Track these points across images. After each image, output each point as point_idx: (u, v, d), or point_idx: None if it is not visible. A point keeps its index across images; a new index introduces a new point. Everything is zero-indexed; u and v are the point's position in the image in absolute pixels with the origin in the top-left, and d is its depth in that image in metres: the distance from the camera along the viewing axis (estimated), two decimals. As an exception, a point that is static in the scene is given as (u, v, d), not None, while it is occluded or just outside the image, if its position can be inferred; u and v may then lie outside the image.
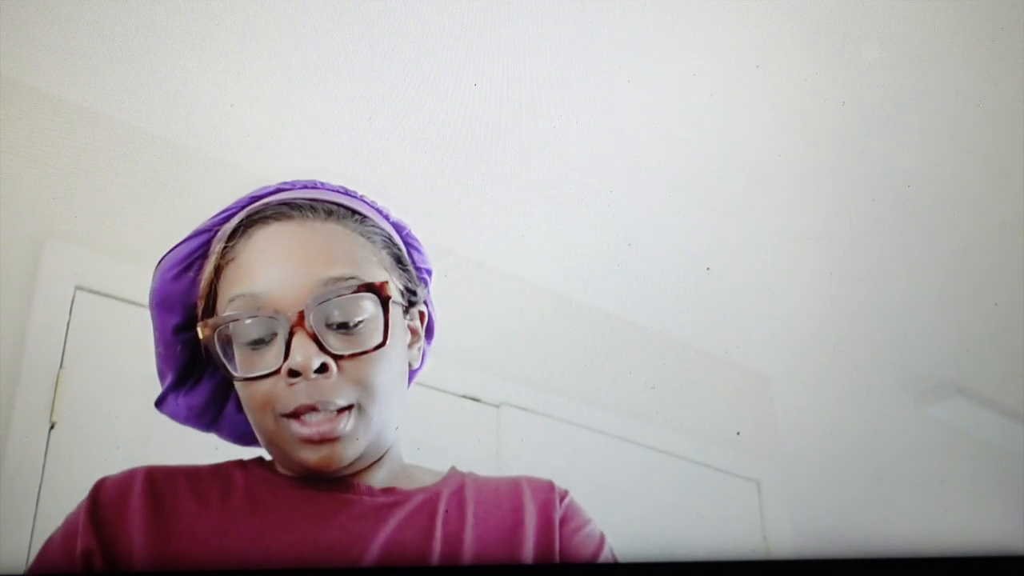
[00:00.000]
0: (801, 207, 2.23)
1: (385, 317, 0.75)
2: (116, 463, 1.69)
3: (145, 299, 1.82)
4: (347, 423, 0.73)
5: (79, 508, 0.80)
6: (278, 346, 0.73)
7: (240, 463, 0.83)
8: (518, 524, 0.80)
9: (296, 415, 0.73)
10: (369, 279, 0.75)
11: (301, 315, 0.72)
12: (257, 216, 0.79)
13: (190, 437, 1.84)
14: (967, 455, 3.32)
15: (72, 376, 1.70)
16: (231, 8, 1.70)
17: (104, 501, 0.78)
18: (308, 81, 1.85)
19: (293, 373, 0.72)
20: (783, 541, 2.72)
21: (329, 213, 0.80)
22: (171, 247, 0.85)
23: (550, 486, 0.85)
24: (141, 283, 1.82)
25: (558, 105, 1.92)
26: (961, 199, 2.19)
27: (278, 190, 0.84)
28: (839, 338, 2.77)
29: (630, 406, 2.51)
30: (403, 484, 0.81)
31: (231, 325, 0.74)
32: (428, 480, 0.83)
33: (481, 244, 1.99)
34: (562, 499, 0.85)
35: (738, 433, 2.84)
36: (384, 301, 0.75)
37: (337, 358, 0.73)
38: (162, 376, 0.84)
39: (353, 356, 0.73)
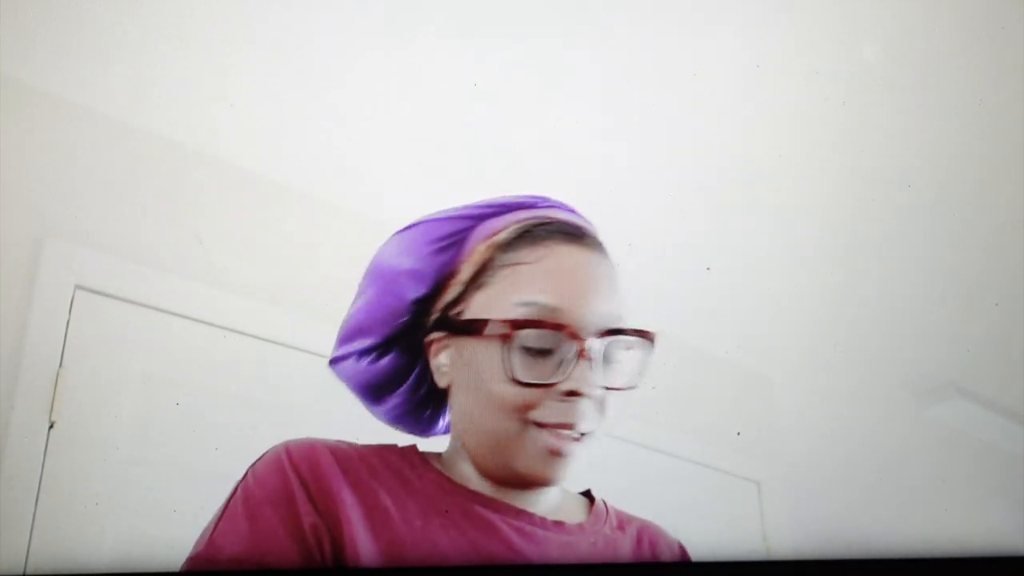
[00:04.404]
0: (801, 207, 2.23)
1: (644, 363, 0.81)
2: (116, 463, 1.70)
3: (145, 298, 1.80)
4: (581, 445, 0.78)
5: (280, 471, 0.76)
6: (557, 362, 0.77)
7: (400, 454, 0.83)
8: None
9: (551, 427, 0.77)
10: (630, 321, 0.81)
11: (587, 343, 0.77)
12: (547, 228, 0.82)
13: (190, 438, 1.85)
14: (967, 455, 3.32)
15: (72, 376, 1.70)
16: (232, 8, 1.70)
17: (304, 473, 0.76)
18: (308, 81, 1.85)
19: (573, 393, 0.76)
20: (783, 541, 2.72)
21: (603, 249, 0.85)
22: (422, 219, 0.85)
23: (684, 551, 0.89)
24: (141, 282, 1.83)
25: (558, 105, 1.92)
26: (961, 199, 2.19)
27: (547, 205, 0.87)
28: (839, 338, 2.77)
29: (630, 406, 2.51)
30: (566, 514, 0.84)
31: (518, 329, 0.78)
32: (579, 511, 0.86)
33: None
34: None
35: (738, 433, 2.84)
36: (650, 348, 0.81)
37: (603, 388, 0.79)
38: (360, 333, 0.85)
39: (610, 389, 0.79)
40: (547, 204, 0.85)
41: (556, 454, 0.77)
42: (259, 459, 0.78)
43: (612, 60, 1.82)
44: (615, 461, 2.47)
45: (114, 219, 1.86)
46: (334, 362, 0.88)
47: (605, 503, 0.88)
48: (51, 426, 1.66)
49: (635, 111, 1.94)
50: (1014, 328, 2.65)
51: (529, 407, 0.76)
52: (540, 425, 0.76)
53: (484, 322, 0.77)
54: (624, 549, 0.84)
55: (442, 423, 0.90)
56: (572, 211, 0.86)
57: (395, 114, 1.93)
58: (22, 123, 1.81)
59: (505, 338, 0.76)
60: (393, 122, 1.94)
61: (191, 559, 0.74)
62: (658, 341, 0.81)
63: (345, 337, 0.87)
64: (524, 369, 0.76)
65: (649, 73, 1.85)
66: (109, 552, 1.65)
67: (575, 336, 0.76)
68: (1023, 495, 3.27)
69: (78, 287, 1.76)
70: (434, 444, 0.88)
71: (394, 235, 0.86)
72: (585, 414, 0.77)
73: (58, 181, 1.83)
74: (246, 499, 0.76)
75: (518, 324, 0.76)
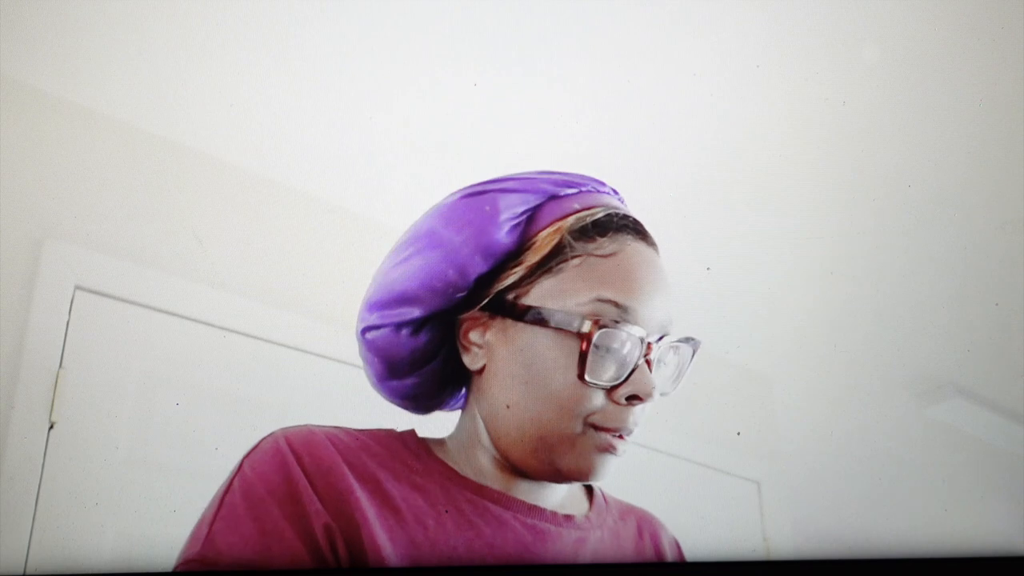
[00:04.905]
0: (801, 207, 2.23)
1: (686, 370, 0.80)
2: (115, 463, 1.70)
3: (145, 298, 1.79)
4: (624, 443, 0.77)
5: (282, 464, 0.71)
6: (619, 363, 0.74)
7: (401, 441, 0.79)
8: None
9: (604, 431, 0.75)
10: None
11: (652, 347, 0.75)
12: (619, 221, 0.78)
13: (190, 438, 1.85)
14: (967, 455, 3.32)
15: (72, 376, 1.70)
16: (231, 9, 1.70)
17: (308, 465, 0.71)
18: (308, 81, 1.85)
19: (635, 398, 0.75)
20: (783, 541, 2.72)
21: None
22: (489, 186, 0.79)
23: (679, 546, 0.88)
24: (141, 282, 1.83)
25: (558, 105, 1.92)
26: (961, 199, 2.19)
27: (606, 191, 0.83)
28: (839, 338, 2.77)
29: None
30: (572, 506, 0.82)
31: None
32: (583, 501, 0.84)
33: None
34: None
35: (738, 433, 2.84)
36: (693, 358, 0.80)
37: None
38: (407, 302, 0.78)
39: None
40: (606, 190, 0.83)
41: (607, 451, 0.75)
42: (254, 449, 0.73)
43: (612, 60, 1.82)
44: (614, 461, 2.47)
45: (114, 219, 1.86)
46: (368, 330, 0.81)
47: (602, 492, 0.86)
48: (51, 426, 1.66)
49: (635, 111, 1.94)
50: (1014, 328, 2.65)
51: (592, 410, 0.74)
52: (595, 427, 0.75)
53: (564, 315, 0.74)
54: (628, 542, 0.83)
55: (448, 404, 0.86)
56: (623, 201, 0.84)
57: (395, 114, 1.93)
58: (22, 123, 1.81)
59: (586, 336, 0.73)
60: (393, 122, 1.94)
61: (187, 561, 0.69)
62: (700, 349, 0.80)
63: (385, 303, 0.79)
64: (593, 369, 0.73)
65: (649, 73, 1.85)
66: (109, 552, 1.65)
67: (644, 340, 0.74)
68: (1023, 495, 3.27)
69: (78, 287, 1.76)
70: (425, 425, 0.85)
71: (458, 199, 0.79)
72: (638, 418, 0.76)
73: (58, 181, 1.82)
74: (246, 495, 0.70)
75: (603, 323, 0.73)
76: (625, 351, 0.74)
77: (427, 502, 0.75)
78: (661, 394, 0.78)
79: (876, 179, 2.13)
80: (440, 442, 0.81)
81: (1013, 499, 3.27)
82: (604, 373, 0.74)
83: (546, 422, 0.74)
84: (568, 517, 0.80)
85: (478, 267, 0.77)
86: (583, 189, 0.81)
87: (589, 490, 0.86)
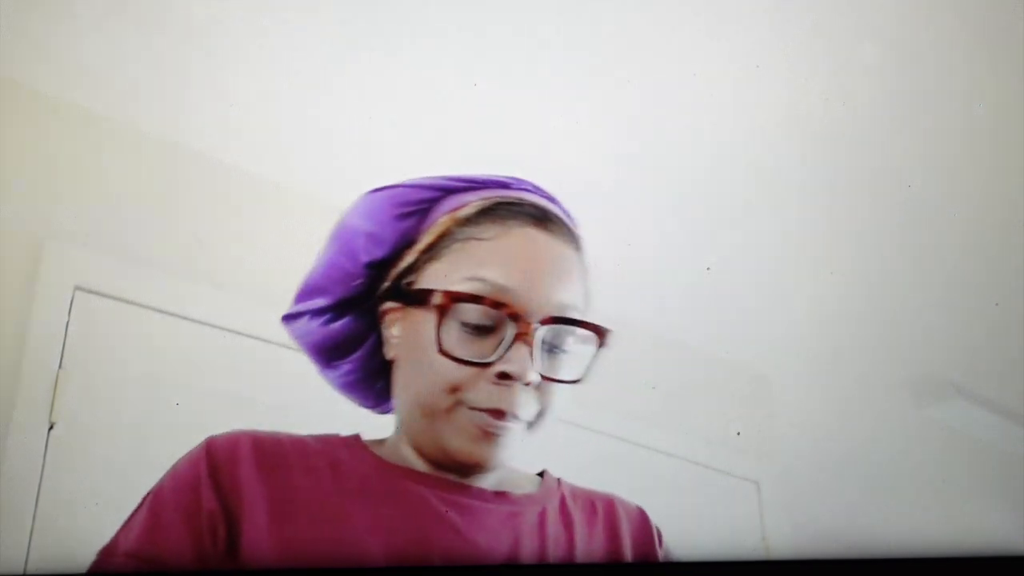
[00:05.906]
0: (801, 207, 2.23)
1: (592, 360, 0.79)
2: (116, 463, 1.70)
3: (145, 298, 1.79)
4: (518, 429, 0.76)
5: (194, 462, 0.77)
6: (496, 342, 0.74)
7: (342, 441, 0.81)
8: (616, 552, 0.83)
9: (482, 411, 0.74)
10: (587, 315, 0.79)
11: (531, 327, 0.74)
12: (514, 208, 0.80)
13: (190, 438, 1.84)
14: (967, 455, 3.32)
15: (72, 376, 1.70)
16: (231, 8, 1.70)
17: (219, 462, 0.76)
18: (308, 81, 1.85)
19: (506, 376, 0.74)
20: (783, 541, 2.72)
21: (571, 238, 0.82)
22: (396, 184, 0.85)
23: (644, 516, 0.87)
24: (141, 283, 1.83)
25: (558, 105, 1.92)
26: (961, 199, 2.20)
27: (523, 187, 0.84)
28: (839, 338, 2.77)
29: (630, 406, 2.51)
30: (509, 488, 0.81)
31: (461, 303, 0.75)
32: (529, 487, 0.84)
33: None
34: (659, 537, 0.86)
35: (738, 433, 2.84)
36: (600, 347, 0.79)
37: (542, 377, 0.76)
38: (314, 292, 0.85)
39: (551, 380, 0.77)
40: (523, 187, 0.83)
41: (487, 435, 0.74)
42: (188, 452, 0.78)
43: (613, 60, 1.82)
44: (615, 461, 2.47)
45: (114, 219, 1.86)
46: (287, 319, 0.88)
47: (559, 480, 0.86)
48: (51, 426, 1.66)
49: (635, 111, 1.94)
50: (1014, 328, 2.65)
51: (461, 386, 0.74)
52: (471, 408, 0.74)
53: (427, 292, 0.76)
54: (576, 516, 0.83)
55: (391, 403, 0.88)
56: (552, 199, 0.84)
57: (395, 114, 1.93)
58: (22, 123, 1.81)
59: (442, 309, 0.74)
60: (393, 122, 1.95)
61: (98, 552, 0.73)
62: (611, 338, 0.78)
63: (300, 295, 0.87)
64: (460, 345, 0.74)
65: (649, 73, 1.85)
66: (109, 552, 1.66)
67: (517, 318, 0.74)
68: (1023, 495, 3.27)
69: (78, 287, 1.76)
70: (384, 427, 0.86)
71: (364, 195, 0.85)
72: (520, 401, 0.74)
73: (58, 181, 1.83)
74: (156, 494, 0.77)
75: (456, 297, 0.74)
76: (500, 330, 0.74)
77: (343, 487, 0.76)
78: (569, 381, 0.77)
79: (876, 179, 2.14)
80: (380, 441, 0.83)
81: (1013, 499, 3.28)
82: (468, 348, 0.74)
83: (424, 400, 0.76)
84: (500, 494, 0.80)
85: (368, 254, 0.81)
86: (496, 184, 0.82)
87: (541, 477, 0.86)
